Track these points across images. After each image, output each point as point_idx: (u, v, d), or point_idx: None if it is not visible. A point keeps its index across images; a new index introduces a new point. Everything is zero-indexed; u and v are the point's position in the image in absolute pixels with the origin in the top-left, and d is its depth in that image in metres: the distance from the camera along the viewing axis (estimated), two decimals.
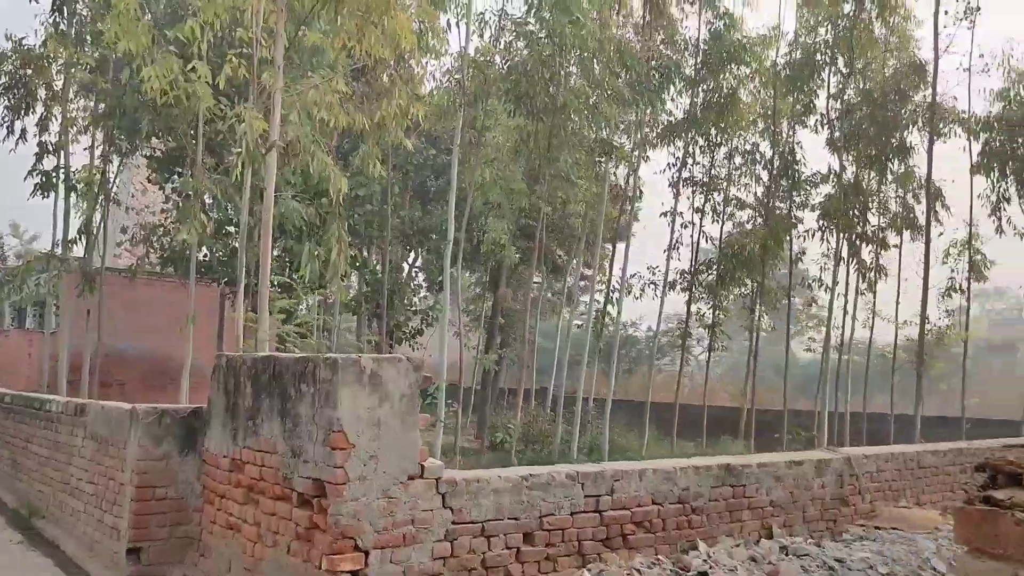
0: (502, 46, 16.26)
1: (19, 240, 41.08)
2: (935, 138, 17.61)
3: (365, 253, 18.77)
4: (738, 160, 20.45)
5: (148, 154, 17.51)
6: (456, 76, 15.95)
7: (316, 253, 9.10)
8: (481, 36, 16.75)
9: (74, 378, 21.18)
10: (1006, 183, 17.74)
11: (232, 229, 15.91)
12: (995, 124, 17.78)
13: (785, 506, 7.47)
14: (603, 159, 18.83)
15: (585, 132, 18.52)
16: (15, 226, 40.49)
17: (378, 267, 18.82)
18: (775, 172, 20.07)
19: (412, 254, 24.13)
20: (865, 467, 8.32)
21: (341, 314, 18.30)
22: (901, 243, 19.27)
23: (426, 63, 11.74)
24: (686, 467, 6.77)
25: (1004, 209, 17.75)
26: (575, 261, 24.53)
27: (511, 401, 23.43)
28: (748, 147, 20.64)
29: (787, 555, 6.40)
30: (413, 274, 23.74)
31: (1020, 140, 17.61)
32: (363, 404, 5.11)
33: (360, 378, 5.11)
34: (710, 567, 6.13)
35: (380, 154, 10.79)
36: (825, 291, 19.11)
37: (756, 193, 20.87)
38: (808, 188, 19.97)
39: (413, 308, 21.43)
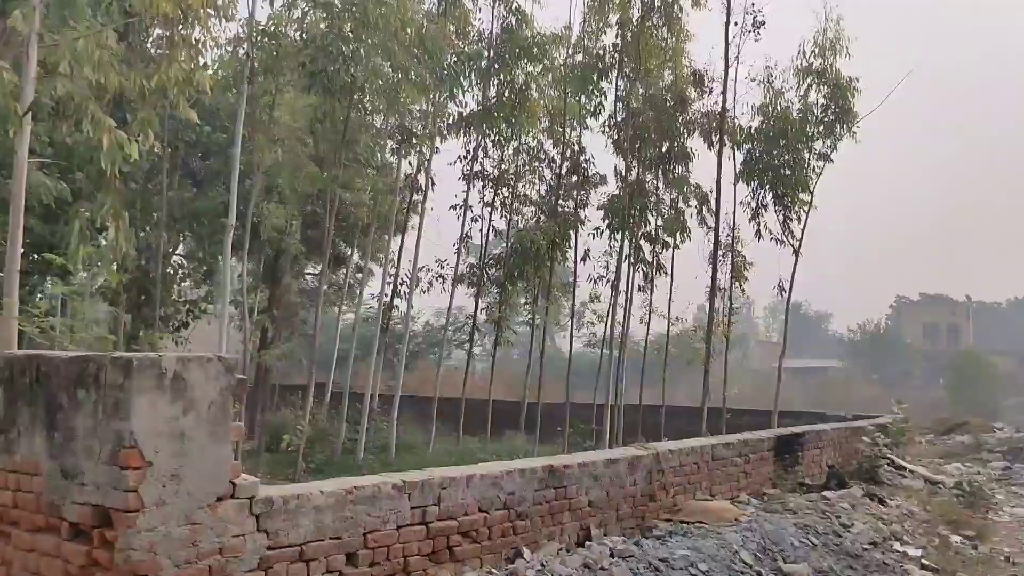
0: (297, 16, 15.12)
1: None
2: (712, 146, 18.81)
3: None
4: (526, 156, 20.68)
5: None
6: (243, 46, 14.58)
7: (85, 231, 7.64)
8: (271, 4, 15.51)
9: None
10: (764, 192, 19.30)
11: None
12: (755, 136, 19.25)
13: (602, 505, 7.39)
14: (401, 146, 18.18)
15: (384, 116, 17.77)
16: None
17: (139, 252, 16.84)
18: (561, 170, 20.52)
19: (179, 239, 22.01)
20: (670, 462, 8.50)
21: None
22: (675, 244, 20.40)
23: (212, 26, 10.46)
24: (512, 471, 6.46)
25: (762, 216, 19.34)
26: (357, 252, 23.68)
27: (288, 399, 22.12)
28: (535, 144, 20.95)
29: (613, 557, 6.28)
30: (180, 262, 21.65)
31: (775, 152, 19.20)
32: (163, 414, 4.24)
33: (160, 382, 4.23)
34: None
35: (156, 125, 9.45)
36: (611, 288, 19.80)
37: (540, 191, 21.27)
38: (590, 188, 20.61)
39: (182, 299, 19.51)
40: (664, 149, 19.93)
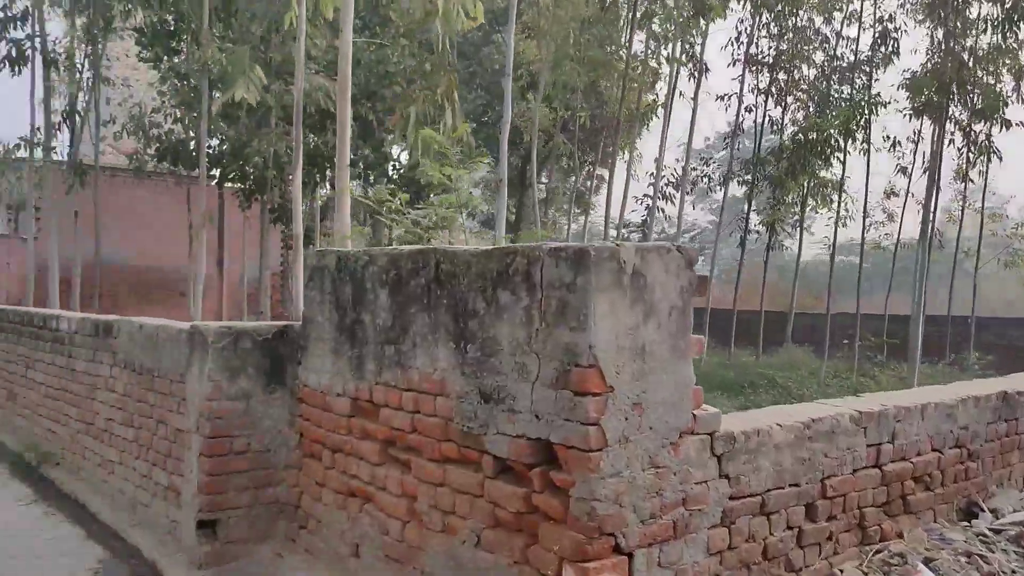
0: None
1: None
2: None
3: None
4: (809, 34, 18.03)
5: (137, 27, 14.76)
6: None
7: (419, 118, 6.89)
8: None
9: (60, 290, 18.99)
10: None
11: (241, 114, 13.50)
12: None
13: None
14: (684, 20, 16.10)
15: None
16: None
17: None
18: (857, 45, 17.53)
19: None
20: None
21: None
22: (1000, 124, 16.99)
23: None
24: (965, 399, 4.97)
25: None
26: (610, 152, 22.25)
27: None
28: (809, 22, 18.24)
29: None
30: None
31: None
32: (624, 322, 3.16)
33: (618, 280, 3.14)
34: None
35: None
36: (927, 178, 16.89)
37: (823, 70, 18.44)
38: (889, 60, 17.51)
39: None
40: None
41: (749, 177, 17.84)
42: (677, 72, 16.70)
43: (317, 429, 4.70)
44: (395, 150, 19.78)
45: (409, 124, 6.73)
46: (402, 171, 18.19)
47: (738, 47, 17.40)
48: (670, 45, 17.13)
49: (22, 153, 13.56)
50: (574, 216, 26.90)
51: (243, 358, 4.87)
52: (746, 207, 18.80)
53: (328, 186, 16.83)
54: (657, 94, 18.98)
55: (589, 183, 29.76)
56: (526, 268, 3.31)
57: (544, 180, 28.76)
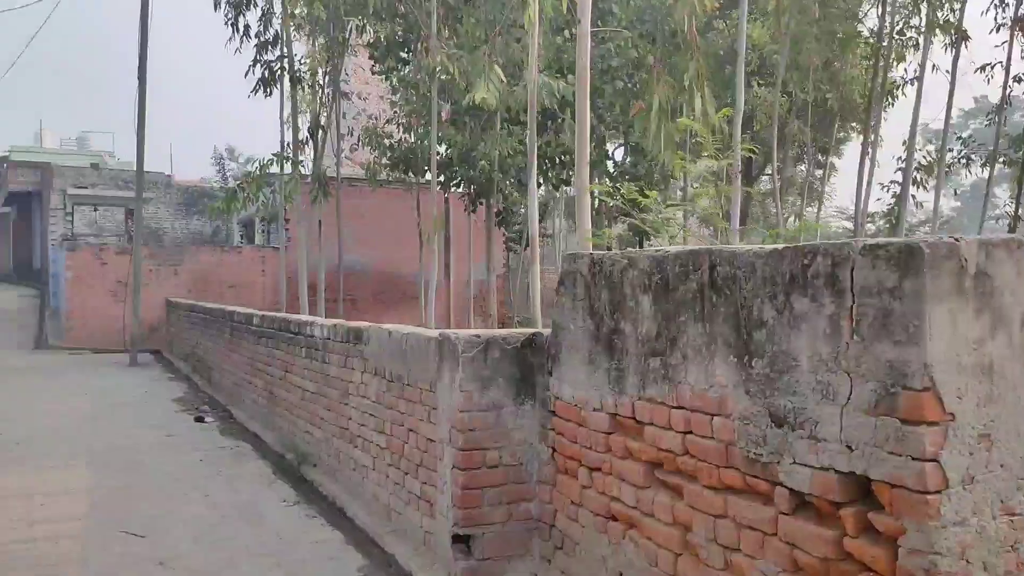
0: None
1: (235, 163, 41.84)
2: None
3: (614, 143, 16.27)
4: None
5: (369, 40, 15.64)
6: None
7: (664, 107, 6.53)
8: None
9: (309, 296, 20.56)
10: None
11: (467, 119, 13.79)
12: None
13: None
14: None
15: None
16: (230, 149, 41.27)
17: None
18: None
19: None
20: None
21: None
22: None
23: None
24: None
25: None
26: (841, 137, 20.57)
27: None
28: None
29: None
30: None
31: None
32: (966, 335, 2.56)
33: (959, 284, 2.55)
34: None
35: None
36: None
37: None
38: None
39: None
40: None
41: (1021, 155, 15.58)
42: (930, 43, 14.95)
43: (572, 445, 4.43)
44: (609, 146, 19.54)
45: (652, 113, 6.34)
46: (621, 168, 17.85)
47: (1002, 9, 15.27)
48: (923, 12, 15.40)
49: (274, 169, 14.75)
50: (804, 207, 25.21)
51: (493, 368, 4.71)
52: (1015, 190, 16.46)
53: (550, 186, 16.86)
54: (906, 69, 17.18)
55: (821, 172, 27.81)
56: (830, 270, 2.80)
57: (768, 171, 27.21)
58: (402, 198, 22.81)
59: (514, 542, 4.75)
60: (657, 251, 3.74)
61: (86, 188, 31.25)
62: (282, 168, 14.62)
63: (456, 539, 4.75)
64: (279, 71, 14.52)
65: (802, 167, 26.31)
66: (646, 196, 5.60)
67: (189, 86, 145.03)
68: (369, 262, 19.44)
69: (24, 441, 9.08)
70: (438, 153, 15.75)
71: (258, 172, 14.00)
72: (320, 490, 7.06)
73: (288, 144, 15.30)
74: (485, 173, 13.72)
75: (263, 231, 26.41)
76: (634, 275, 3.86)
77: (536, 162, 7.46)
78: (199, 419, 10.58)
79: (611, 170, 17.16)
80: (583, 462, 4.32)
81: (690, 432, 3.52)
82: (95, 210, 31.58)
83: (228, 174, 39.09)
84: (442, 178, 17.04)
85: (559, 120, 13.58)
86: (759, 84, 15.21)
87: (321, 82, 15.40)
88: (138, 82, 16.33)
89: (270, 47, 14.69)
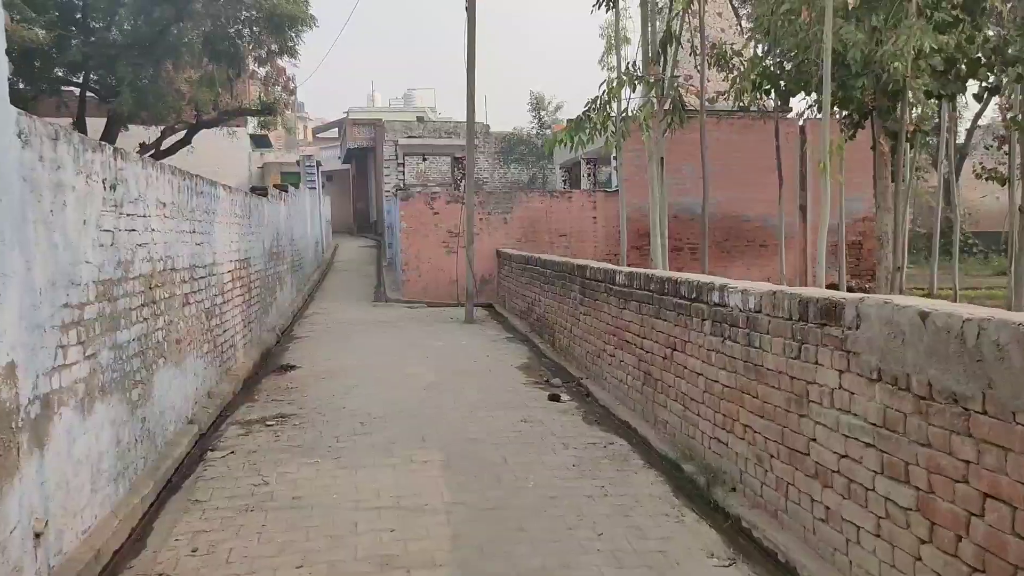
0: None
1: (544, 111, 40.70)
2: None
3: None
4: None
5: None
6: None
7: None
8: None
9: (641, 244, 18.49)
10: None
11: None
12: None
13: None
14: None
15: None
16: (539, 98, 40.07)
17: None
18: None
19: None
20: None
21: None
22: None
23: None
24: None
25: None
26: None
27: None
28: None
29: None
30: None
31: None
32: None
33: None
34: None
35: None
36: None
37: None
38: None
39: None
40: None
41: None
42: None
43: None
44: None
45: None
46: None
47: None
48: None
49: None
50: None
51: None
52: None
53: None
54: None
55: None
56: None
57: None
58: (751, 130, 19.76)
59: None
60: None
61: (415, 138, 32.21)
62: (624, 92, 12.26)
63: None
64: None
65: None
66: None
67: (500, 36, 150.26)
68: (710, 205, 16.81)
69: (368, 421, 7.90)
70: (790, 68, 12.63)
71: (606, 97, 11.89)
72: (753, 534, 4.80)
73: (633, 64, 12.98)
74: (897, 79, 10.34)
75: (588, 175, 24.73)
76: None
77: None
78: (553, 397, 8.86)
79: None
80: None
81: None
82: (424, 159, 32.43)
83: (544, 120, 38.13)
84: (812, 97, 13.85)
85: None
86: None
87: None
88: (467, 27, 15.10)
89: None
